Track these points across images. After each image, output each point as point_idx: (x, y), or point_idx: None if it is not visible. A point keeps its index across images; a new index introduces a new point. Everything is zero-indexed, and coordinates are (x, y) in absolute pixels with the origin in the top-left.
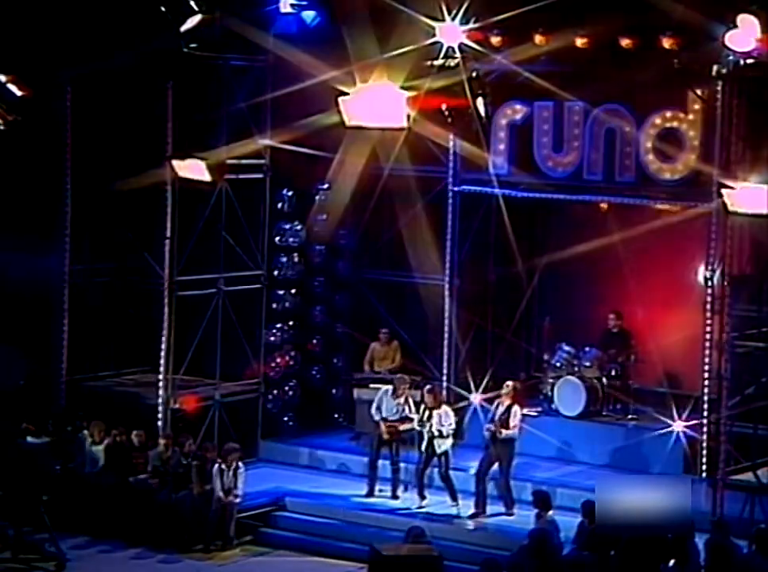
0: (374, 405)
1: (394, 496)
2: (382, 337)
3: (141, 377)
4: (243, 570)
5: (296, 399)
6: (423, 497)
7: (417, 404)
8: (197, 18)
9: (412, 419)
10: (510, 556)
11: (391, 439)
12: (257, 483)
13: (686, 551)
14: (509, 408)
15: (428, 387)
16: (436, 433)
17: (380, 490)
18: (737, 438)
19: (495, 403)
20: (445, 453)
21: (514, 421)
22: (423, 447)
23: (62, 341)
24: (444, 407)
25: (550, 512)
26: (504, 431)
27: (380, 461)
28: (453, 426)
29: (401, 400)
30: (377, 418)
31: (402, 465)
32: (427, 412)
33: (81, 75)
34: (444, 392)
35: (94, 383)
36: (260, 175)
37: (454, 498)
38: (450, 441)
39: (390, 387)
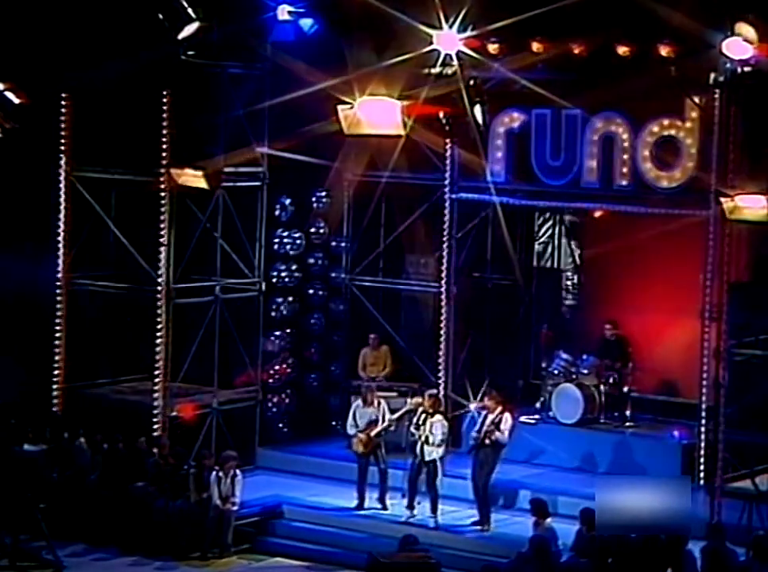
0: (349, 420)
1: (383, 507)
2: (371, 341)
3: (138, 385)
4: None
5: (293, 406)
6: (412, 508)
7: (410, 411)
8: (195, 26)
9: (377, 422)
10: (509, 563)
11: (367, 450)
12: (254, 491)
13: (681, 558)
14: (500, 415)
15: (430, 392)
16: (425, 439)
17: (377, 498)
18: (734, 446)
19: (484, 413)
20: (434, 461)
21: (506, 426)
22: (416, 452)
23: (57, 348)
24: (439, 417)
25: (548, 520)
26: (497, 434)
27: (370, 470)
28: (442, 437)
29: (373, 407)
30: (351, 432)
31: (392, 471)
32: (423, 416)
33: (79, 83)
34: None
35: (91, 390)
36: (257, 183)
37: (434, 510)
38: (440, 450)
39: (360, 399)
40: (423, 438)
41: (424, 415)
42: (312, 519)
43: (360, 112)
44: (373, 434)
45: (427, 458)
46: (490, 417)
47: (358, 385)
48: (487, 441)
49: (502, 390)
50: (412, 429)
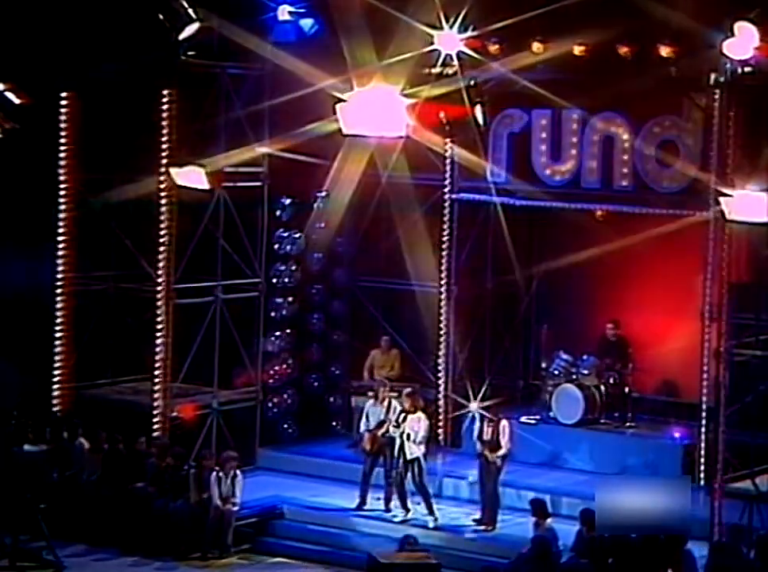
0: (363, 419)
1: (387, 509)
2: (383, 344)
3: (138, 385)
4: None
5: (294, 406)
6: (407, 510)
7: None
8: (195, 26)
9: (385, 422)
10: (509, 564)
11: (373, 449)
12: (255, 491)
13: (681, 558)
14: (496, 426)
15: (408, 390)
16: (406, 437)
17: (377, 498)
18: (734, 446)
19: (480, 423)
20: (416, 460)
21: (505, 438)
22: (396, 451)
23: (57, 348)
24: (420, 414)
25: (548, 520)
26: (499, 452)
27: (376, 471)
28: (424, 434)
29: (384, 406)
30: (363, 430)
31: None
32: (402, 415)
33: (79, 83)
34: (425, 399)
35: (91, 391)
36: (258, 183)
37: (430, 510)
38: (422, 448)
39: (372, 398)
40: (405, 437)
41: (404, 414)
42: (312, 519)
43: (360, 112)
44: (379, 433)
45: (409, 457)
46: (487, 430)
47: (359, 385)
48: (491, 458)
49: (500, 389)
50: (391, 428)
